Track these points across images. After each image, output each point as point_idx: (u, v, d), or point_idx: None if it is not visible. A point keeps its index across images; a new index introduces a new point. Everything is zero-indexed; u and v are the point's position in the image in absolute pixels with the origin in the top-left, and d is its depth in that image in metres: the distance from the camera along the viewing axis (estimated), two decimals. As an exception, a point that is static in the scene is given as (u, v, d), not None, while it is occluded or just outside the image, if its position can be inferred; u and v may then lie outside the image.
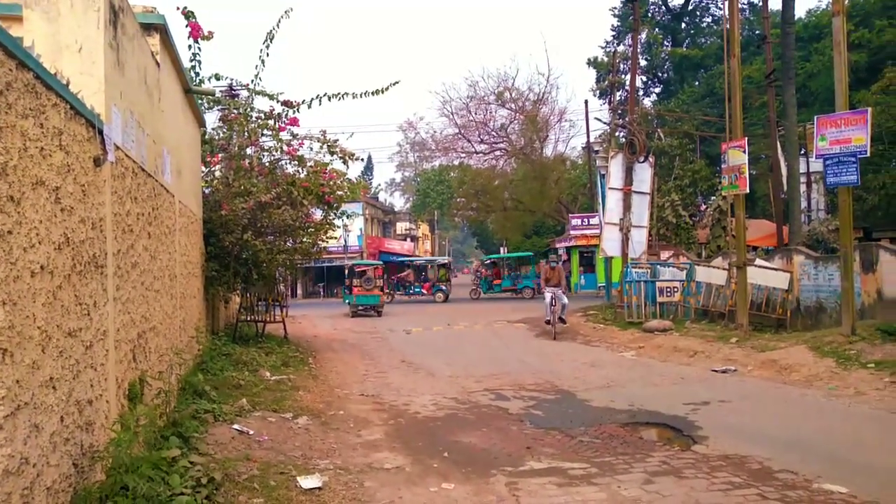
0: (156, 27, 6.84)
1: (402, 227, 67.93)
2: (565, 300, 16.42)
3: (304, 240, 13.47)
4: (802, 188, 20.60)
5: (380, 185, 59.85)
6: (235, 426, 6.71)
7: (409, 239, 64.93)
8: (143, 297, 5.76)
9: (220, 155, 12.62)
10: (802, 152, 23.06)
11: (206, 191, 12.47)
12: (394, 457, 6.35)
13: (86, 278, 3.93)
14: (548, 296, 16.23)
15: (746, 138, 13.56)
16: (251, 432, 6.64)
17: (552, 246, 45.71)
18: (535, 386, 10.18)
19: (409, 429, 7.57)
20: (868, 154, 10.73)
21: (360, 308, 25.65)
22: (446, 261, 39.79)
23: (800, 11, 33.52)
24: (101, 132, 4.25)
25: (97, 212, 4.21)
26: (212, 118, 13.23)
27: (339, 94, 11.83)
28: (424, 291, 36.89)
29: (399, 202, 71.35)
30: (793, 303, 14.88)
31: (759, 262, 15.08)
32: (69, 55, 4.39)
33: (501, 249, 56.93)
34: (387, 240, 56.28)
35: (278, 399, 8.30)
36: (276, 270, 13.30)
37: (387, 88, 11.86)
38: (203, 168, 12.34)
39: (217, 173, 13.07)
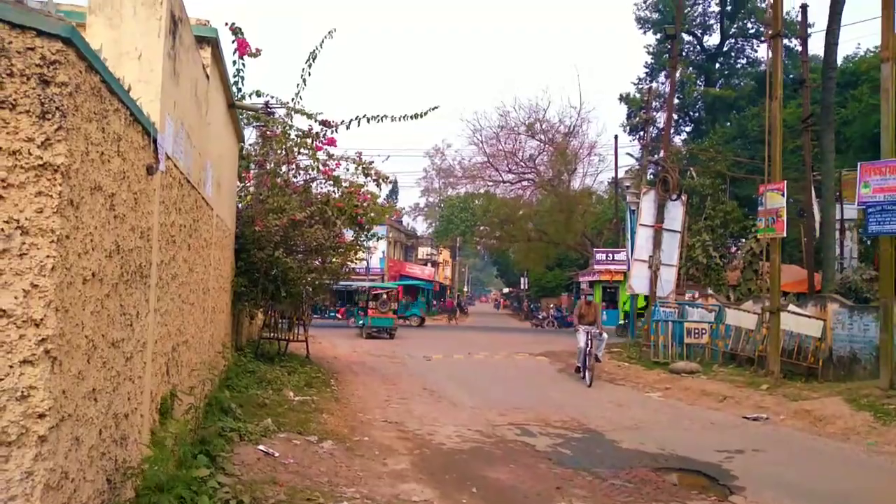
0: (208, 40, 6.88)
1: (423, 251, 67.96)
2: (604, 336, 14.99)
3: (334, 260, 13.42)
4: (835, 235, 20.21)
5: (404, 208, 59.93)
6: (261, 447, 6.57)
7: (429, 264, 64.88)
8: (179, 309, 5.69)
9: (255, 171, 12.66)
10: (820, 198, 22.74)
11: (240, 206, 12.51)
12: (421, 489, 6.16)
13: (131, 288, 3.86)
14: (582, 336, 14.20)
15: (785, 182, 13.33)
16: (277, 454, 6.50)
17: (575, 279, 45.39)
18: (560, 423, 9.93)
19: (435, 460, 7.38)
20: (915, 204, 10.46)
21: (374, 330, 25.85)
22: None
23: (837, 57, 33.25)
24: (154, 141, 4.22)
25: (146, 221, 4.16)
26: (248, 133, 13.36)
27: (377, 116, 11.79)
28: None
29: (421, 227, 71.47)
30: (825, 352, 14.48)
31: (792, 308, 14.75)
32: (128, 62, 4.38)
33: (522, 280, 56.73)
34: (408, 264, 56.30)
35: (303, 421, 8.16)
36: (303, 289, 13.22)
37: (426, 113, 11.81)
38: (238, 183, 12.41)
39: (251, 189, 13.12)
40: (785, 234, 13.63)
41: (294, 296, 13.39)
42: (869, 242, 21.71)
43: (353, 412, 9.95)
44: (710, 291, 20.82)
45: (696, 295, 19.47)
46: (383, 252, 48.46)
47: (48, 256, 2.59)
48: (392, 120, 11.85)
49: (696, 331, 16.84)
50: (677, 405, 12.12)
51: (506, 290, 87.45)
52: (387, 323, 25.95)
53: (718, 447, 8.42)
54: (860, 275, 18.95)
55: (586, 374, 14.14)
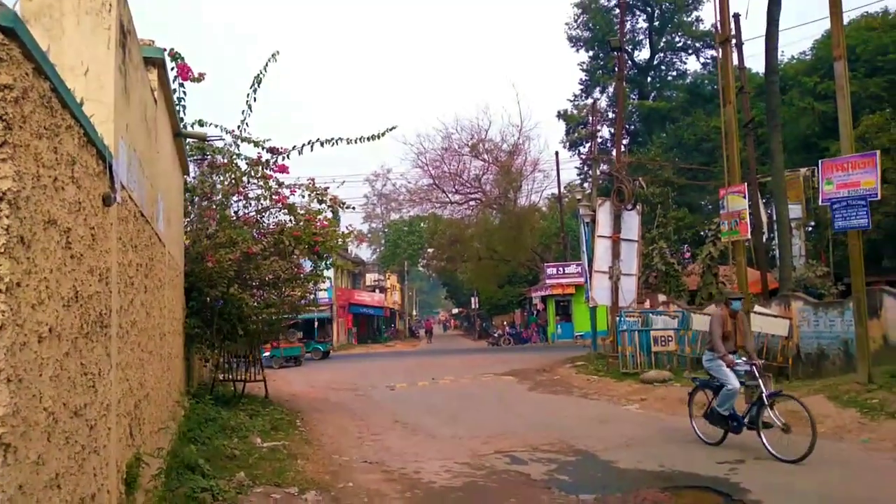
0: (154, 61, 6.25)
1: (371, 278, 67.04)
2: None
3: (294, 292, 12.71)
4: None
5: (356, 231, 58.97)
6: (238, 506, 5.87)
7: (377, 290, 63.96)
8: (139, 360, 5.01)
9: (204, 203, 11.90)
10: (764, 200, 23.29)
11: (186, 243, 11.72)
12: (425, 538, 5.57)
13: (92, 341, 3.22)
14: (730, 375, 8.59)
15: (746, 184, 13.36)
16: (257, 513, 5.81)
17: (527, 295, 45.38)
18: (549, 446, 9.46)
19: (430, 502, 6.79)
20: (878, 197, 10.54)
21: (284, 360, 28.17)
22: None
23: (758, 65, 34.69)
24: (110, 167, 3.60)
25: (104, 261, 3.52)
26: (191, 166, 12.58)
27: (331, 139, 11.30)
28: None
29: (365, 253, 70.59)
30: (793, 350, 14.53)
31: (758, 308, 14.76)
32: (73, 78, 3.74)
33: (473, 299, 56.46)
34: (356, 291, 55.22)
35: (278, 470, 7.45)
36: (261, 325, 12.46)
37: (383, 134, 11.40)
38: (184, 218, 11.63)
39: (198, 223, 12.34)
40: (749, 236, 13.64)
41: (251, 333, 12.63)
42: (829, 240, 22.23)
43: (328, 454, 9.24)
44: (661, 298, 20.89)
45: (665, 302, 19.44)
46: (330, 281, 47.51)
47: (-4, 311, 1.98)
48: (348, 143, 11.36)
49: (663, 338, 16.73)
50: (659, 416, 11.83)
51: (455, 310, 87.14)
52: (295, 352, 28.61)
53: (717, 459, 8.10)
54: (813, 271, 19.35)
55: (732, 427, 8.63)
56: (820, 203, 12.08)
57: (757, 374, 8.51)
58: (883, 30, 30.17)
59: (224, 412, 10.45)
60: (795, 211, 22.05)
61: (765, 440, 8.13)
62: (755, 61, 73.37)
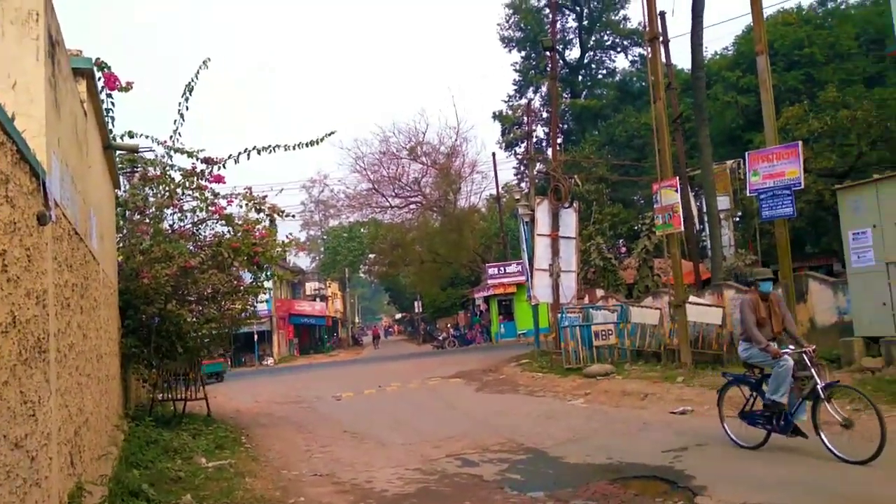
0: (83, 72, 6.03)
1: (311, 287, 66.15)
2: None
3: (234, 306, 12.44)
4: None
5: (297, 239, 58.03)
6: (188, 529, 5.71)
7: (318, 299, 63.18)
8: (78, 385, 4.83)
9: (136, 217, 11.52)
10: (694, 193, 24.19)
11: (119, 259, 11.32)
12: (382, 546, 5.54)
13: (31, 368, 3.09)
14: (783, 366, 7.51)
15: (678, 178, 13.82)
16: (208, 534, 5.66)
17: (470, 296, 45.67)
18: (499, 446, 9.55)
19: (385, 510, 6.76)
20: (802, 186, 11.07)
21: (206, 376, 27.32)
22: None
23: (684, 62, 35.94)
24: (43, 184, 3.46)
25: (41, 283, 3.38)
26: (122, 179, 12.17)
27: (269, 146, 11.10)
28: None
29: (304, 262, 69.60)
30: (727, 337, 15.09)
31: (693, 298, 15.27)
32: (1, 92, 3.59)
33: (416, 303, 56.46)
34: (297, 301, 54.40)
35: (226, 490, 7.26)
36: (201, 342, 12.14)
37: (322, 139, 11.29)
38: (116, 234, 11.23)
39: (131, 239, 11.93)
40: (682, 228, 14.11)
41: (190, 350, 12.29)
42: (756, 229, 23.13)
43: (277, 470, 9.08)
44: (600, 293, 21.41)
45: (603, 297, 19.90)
46: (270, 292, 46.62)
47: (-68, 344, 1.88)
48: (286, 149, 11.21)
49: (604, 332, 17.11)
50: (604, 409, 12.10)
51: (398, 315, 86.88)
52: (217, 368, 27.72)
53: (662, 447, 8.33)
54: (742, 260, 20.16)
55: (779, 427, 7.65)
56: (747, 194, 12.61)
57: (809, 363, 7.37)
58: (798, 25, 31.71)
59: (166, 433, 10.13)
60: (724, 202, 22.98)
61: (825, 439, 7.08)
62: (681, 58, 75.97)
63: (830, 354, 11.74)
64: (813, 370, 7.33)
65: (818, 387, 7.21)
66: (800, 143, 11.62)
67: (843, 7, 34.43)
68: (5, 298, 2.65)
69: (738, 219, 25.96)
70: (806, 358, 7.41)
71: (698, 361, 14.82)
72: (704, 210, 21.17)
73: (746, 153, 11.89)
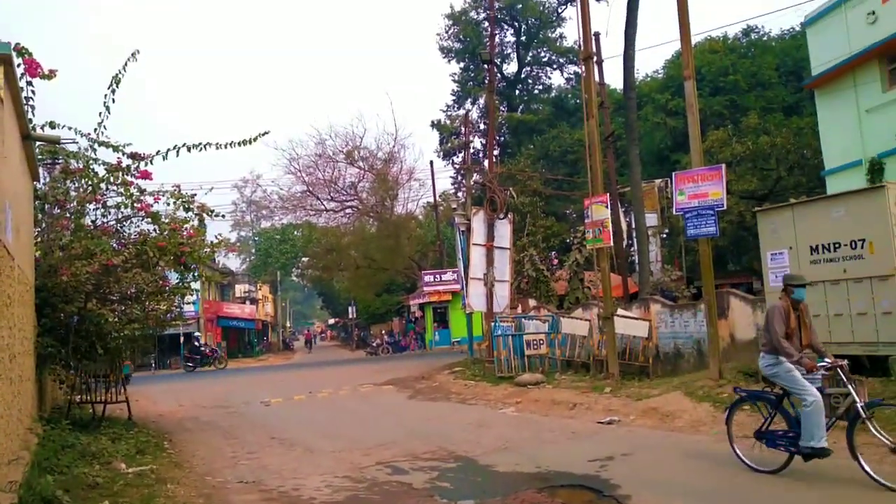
0: (1, 58, 5.71)
1: (240, 289, 64.59)
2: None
3: (159, 306, 12.01)
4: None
5: (228, 240, 56.57)
6: (103, 539, 5.46)
7: (248, 301, 61.76)
8: (-14, 386, 4.55)
9: (55, 212, 10.99)
10: (624, 209, 24.99)
11: (37, 254, 10.78)
12: (308, 556, 5.44)
13: (-65, 369, 2.89)
14: (812, 390, 6.74)
15: (608, 194, 14.18)
16: (124, 545, 5.43)
17: (406, 303, 45.56)
18: (429, 454, 9.53)
19: (311, 519, 6.64)
20: (725, 207, 11.54)
21: None
22: None
23: (617, 82, 37.07)
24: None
25: (-52, 278, 3.18)
26: (42, 172, 11.60)
27: (200, 144, 10.78)
28: None
29: (234, 263, 67.99)
30: (653, 350, 15.56)
31: (620, 311, 15.69)
32: None
33: (350, 309, 55.89)
34: (226, 304, 52.98)
35: (146, 497, 7.00)
36: (122, 343, 11.66)
37: (255, 138, 11.05)
38: (35, 228, 10.69)
39: (50, 234, 11.38)
40: (612, 243, 14.49)
41: (111, 351, 11.80)
42: (682, 246, 23.95)
43: (201, 477, 8.79)
44: (532, 303, 21.76)
45: (536, 307, 20.20)
46: (197, 294, 45.25)
47: None
48: (217, 147, 10.92)
49: (535, 342, 17.36)
50: (533, 418, 12.26)
51: (332, 320, 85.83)
52: (124, 371, 27.45)
53: (589, 456, 8.50)
54: (668, 276, 20.85)
55: (804, 451, 6.74)
56: (674, 212, 13.04)
57: (845, 379, 6.59)
58: (724, 53, 33.21)
59: (83, 437, 9.68)
60: (652, 219, 23.75)
61: (865, 465, 6.16)
62: (614, 78, 78.36)
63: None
64: (850, 386, 6.50)
65: (858, 406, 6.34)
66: (723, 165, 12.12)
67: (765, 38, 36.25)
68: None
69: (665, 236, 26.87)
70: (841, 373, 6.64)
71: (625, 372, 15.23)
72: (633, 226, 21.82)
73: (673, 173, 12.32)
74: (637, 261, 20.97)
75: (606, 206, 14.01)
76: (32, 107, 9.80)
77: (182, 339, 40.58)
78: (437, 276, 36.78)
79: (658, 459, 8.24)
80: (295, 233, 50.00)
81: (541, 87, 50.46)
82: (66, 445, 8.73)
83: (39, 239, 11.10)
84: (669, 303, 16.09)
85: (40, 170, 10.94)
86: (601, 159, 14.93)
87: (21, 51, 9.29)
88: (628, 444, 9.18)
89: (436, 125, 46.40)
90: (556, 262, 26.19)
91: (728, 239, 25.08)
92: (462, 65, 48.23)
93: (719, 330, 14.06)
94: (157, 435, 11.95)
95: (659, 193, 25.09)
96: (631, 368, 15.62)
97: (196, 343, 38.73)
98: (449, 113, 48.07)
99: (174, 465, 9.47)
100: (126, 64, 11.06)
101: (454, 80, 48.64)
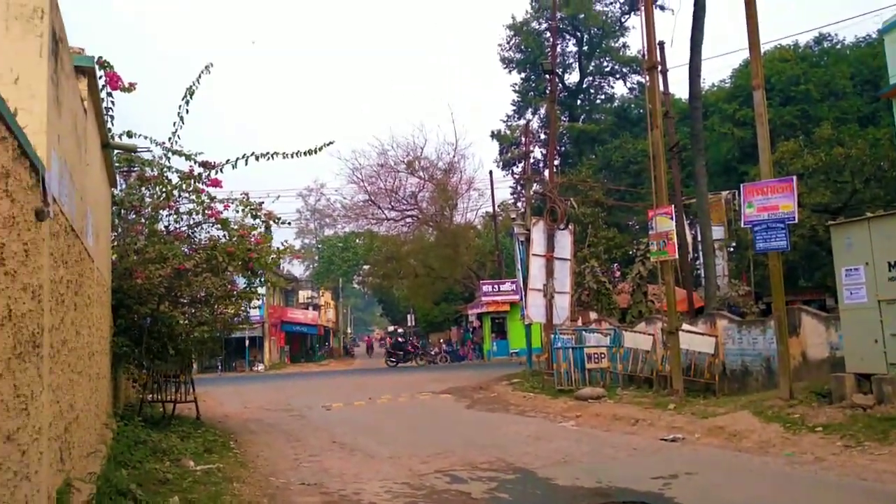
0: (84, 70, 6.03)
1: (304, 295, 65.94)
2: None
3: (227, 310, 12.38)
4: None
5: (292, 247, 57.83)
6: (172, 534, 5.64)
7: (311, 307, 62.98)
8: (69, 381, 4.79)
9: (131, 217, 11.49)
10: (689, 221, 24.34)
11: (113, 258, 11.28)
12: (367, 561, 5.48)
13: (25, 362, 3.06)
14: None
15: (673, 206, 13.88)
16: (192, 540, 5.59)
17: (463, 312, 45.59)
18: (487, 464, 9.48)
19: (371, 523, 6.69)
20: (796, 220, 11.12)
21: None
22: None
23: (682, 91, 36.33)
24: (42, 180, 3.44)
25: (37, 278, 3.36)
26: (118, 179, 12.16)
27: (267, 153, 11.11)
28: None
29: (297, 270, 69.45)
30: (719, 367, 15.08)
31: (686, 326, 15.29)
32: (2, 86, 3.58)
33: (409, 317, 56.35)
34: (289, 309, 54.17)
35: (214, 495, 7.20)
36: (192, 345, 12.07)
37: (320, 148, 11.29)
38: (111, 232, 11.20)
39: (126, 238, 11.90)
40: (677, 256, 14.15)
41: (182, 352, 12.22)
42: (750, 260, 23.21)
43: (265, 477, 8.99)
44: (593, 316, 21.43)
45: (597, 320, 19.92)
46: (263, 299, 46.39)
47: (-69, 332, 1.86)
48: (284, 157, 11.23)
49: (596, 356, 17.07)
50: (594, 433, 12.05)
51: (391, 327, 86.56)
52: None
53: (652, 474, 8.29)
54: (736, 290, 20.21)
55: None
56: (742, 225, 12.65)
57: None
58: (795, 62, 32.10)
59: (154, 434, 10.05)
60: (718, 232, 23.08)
61: None
62: (679, 87, 76.67)
63: (822, 389, 11.73)
64: None
65: None
66: (794, 177, 11.68)
67: (838, 47, 34.90)
68: (2, 292, 2.63)
69: (732, 249, 26.08)
70: None
71: (690, 389, 14.80)
72: (699, 239, 21.25)
73: (742, 185, 11.96)
74: (703, 275, 20.36)
75: (671, 218, 13.70)
76: (112, 117, 10.32)
77: (247, 342, 41.69)
78: (496, 286, 36.64)
79: (724, 480, 7.97)
80: (357, 241, 50.71)
81: (603, 96, 49.92)
82: (138, 441, 9.07)
83: (116, 243, 11.61)
84: (737, 318, 15.57)
85: (117, 177, 11.49)
86: (666, 170, 14.62)
87: (103, 64, 9.79)
88: (693, 463, 8.91)
89: (496, 135, 46.39)
90: (618, 274, 25.74)
91: (799, 253, 24.15)
92: (523, 75, 48.15)
93: (790, 348, 13.52)
94: (224, 435, 12.28)
95: (726, 206, 24.39)
96: (695, 385, 15.16)
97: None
98: (509, 123, 48.01)
99: (240, 464, 9.70)
100: (200, 76, 11.52)
101: (514, 91, 48.60)
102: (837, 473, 8.00)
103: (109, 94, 10.01)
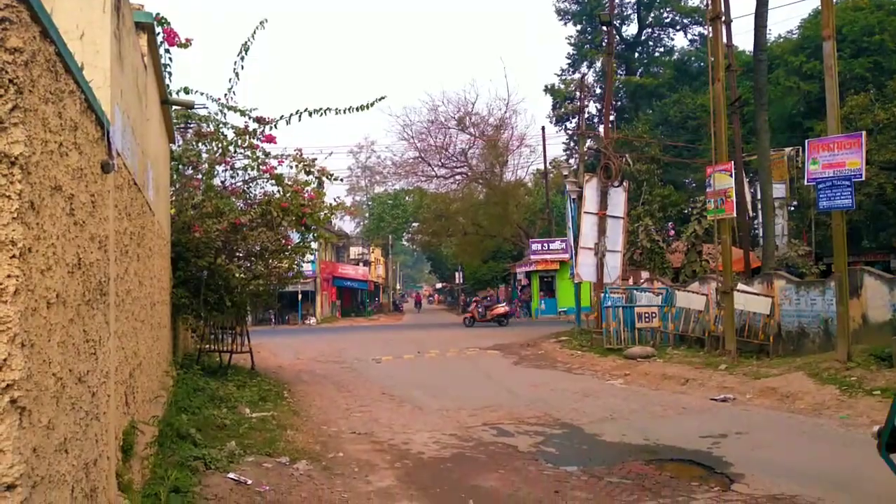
0: (144, 27, 6.13)
1: (354, 251, 66.88)
2: None
3: (281, 264, 12.67)
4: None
5: (343, 203, 58.48)
6: (231, 475, 5.92)
7: (361, 263, 63.88)
8: (133, 329, 5.00)
9: (189, 172, 11.77)
10: (749, 178, 23.50)
11: (172, 211, 11.62)
12: (416, 507, 5.67)
13: (93, 309, 3.21)
14: None
15: (732, 162, 13.45)
16: (249, 482, 5.86)
17: (512, 270, 45.57)
18: (535, 419, 9.59)
19: (420, 472, 6.88)
20: (863, 178, 10.67)
21: None
22: None
23: (746, 43, 34.64)
24: (107, 133, 3.55)
25: (103, 228, 3.50)
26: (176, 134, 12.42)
27: (320, 109, 11.15)
28: None
29: (349, 226, 70.32)
30: (774, 328, 14.76)
31: (741, 286, 14.95)
32: (68, 43, 3.66)
33: (457, 274, 56.64)
34: (340, 265, 55.09)
35: (268, 440, 7.50)
36: (247, 297, 12.41)
37: (372, 104, 11.29)
38: (170, 187, 11.51)
39: (184, 193, 12.21)
40: (735, 214, 13.77)
41: (238, 304, 12.59)
42: (811, 219, 22.44)
43: (317, 425, 9.31)
44: (645, 275, 21.10)
45: (649, 279, 19.65)
46: (315, 254, 47.24)
47: (9, 276, 1.97)
48: (336, 113, 11.26)
49: (647, 315, 16.91)
50: (642, 391, 12.02)
51: (439, 285, 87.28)
52: None
53: (700, 433, 8.26)
54: (795, 251, 19.60)
55: None
56: (805, 183, 12.22)
57: None
58: (870, 10, 30.23)
59: (212, 382, 10.48)
60: (779, 190, 22.27)
61: None
62: (743, 39, 73.39)
63: (882, 352, 11.38)
64: None
65: None
66: (863, 133, 11.13)
67: (919, -8, 32.62)
68: (73, 240, 2.75)
69: (792, 208, 25.17)
70: None
71: (742, 350, 14.54)
72: (759, 197, 20.58)
73: (806, 141, 11.47)
74: (761, 234, 19.76)
75: (730, 175, 13.30)
76: (169, 73, 10.50)
77: (300, 296, 42.65)
78: (545, 244, 36.40)
79: (775, 440, 7.88)
80: (406, 198, 50.90)
81: (662, 49, 48.15)
82: (197, 389, 9.47)
83: (174, 197, 11.93)
84: (795, 279, 15.12)
85: (175, 133, 11.74)
86: (726, 125, 14.14)
87: (161, 21, 9.93)
88: (743, 423, 8.83)
89: (549, 90, 45.39)
90: (672, 233, 25.19)
91: (865, 213, 23.17)
92: (579, 27, 46.77)
93: (850, 310, 13.10)
94: (277, 384, 12.71)
95: (788, 163, 23.45)
96: (749, 346, 14.88)
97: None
98: (563, 77, 46.88)
99: (293, 413, 10.06)
100: (255, 32, 11.58)
101: (570, 43, 47.32)
102: (895, 438, 7.81)
103: (167, 51, 10.16)
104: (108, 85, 3.78)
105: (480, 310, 32.21)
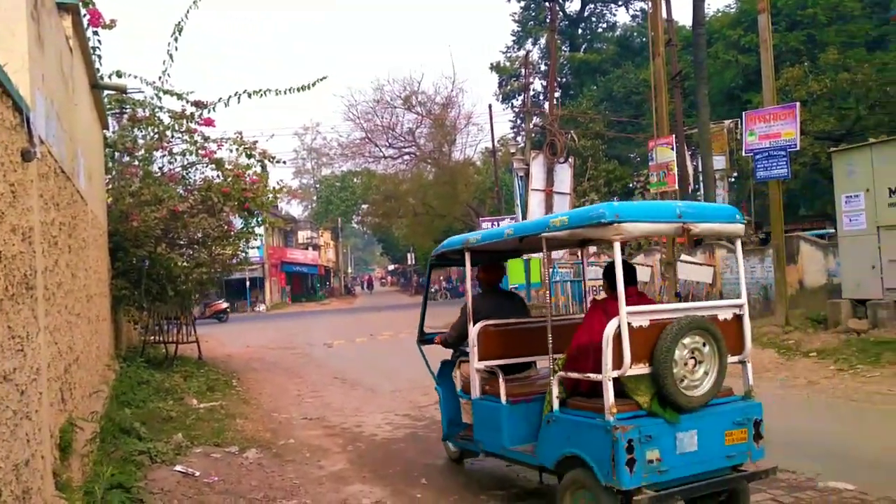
0: (68, 7, 5.84)
1: (303, 235, 66.06)
2: None
3: (225, 251, 12.40)
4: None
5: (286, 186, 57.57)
6: (178, 467, 5.80)
7: (311, 248, 63.20)
8: (67, 323, 4.82)
9: (125, 159, 11.37)
10: (690, 152, 24.04)
11: (108, 200, 11.21)
12: (369, 489, 5.67)
13: (18, 304, 3.07)
14: None
15: (674, 136, 13.71)
16: (197, 473, 5.76)
17: (463, 250, 45.58)
18: (487, 395, 9.67)
19: (372, 454, 6.88)
20: (798, 148, 11.01)
21: None
22: None
23: (686, 19, 35.30)
24: (28, 120, 3.38)
25: (26, 219, 3.34)
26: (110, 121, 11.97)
27: (260, 90, 10.88)
28: None
29: (297, 210, 69.32)
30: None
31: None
32: (-23, 24, 3.48)
33: (409, 255, 56.52)
34: (289, 249, 54.34)
35: (217, 430, 7.36)
36: (192, 286, 12.12)
37: (313, 84, 11.07)
38: (105, 175, 11.10)
39: (120, 181, 11.80)
40: (677, 187, 14.07)
41: (182, 294, 12.28)
42: (750, 190, 23.05)
43: (268, 413, 9.21)
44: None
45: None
46: (262, 239, 46.45)
47: (-87, 274, 1.85)
48: (277, 94, 11.00)
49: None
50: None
51: (391, 266, 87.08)
52: None
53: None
54: (735, 221, 20.16)
55: None
56: (743, 154, 12.55)
57: None
58: (802, -17, 31.06)
59: (157, 374, 10.23)
60: (719, 162, 22.87)
61: None
62: (683, 14, 74.55)
63: (818, 316, 11.86)
64: None
65: None
66: (797, 104, 11.51)
67: (849, -33, 33.65)
68: (-10, 233, 2.62)
69: (733, 179, 25.89)
70: None
71: (686, 319, 14.96)
72: (700, 169, 21.09)
73: (744, 112, 11.78)
74: (702, 205, 20.30)
75: (672, 149, 13.57)
76: (99, 56, 10.06)
77: (248, 283, 41.96)
78: (495, 222, 36.50)
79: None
80: (354, 180, 50.45)
81: (605, 25, 48.57)
82: (141, 382, 9.24)
83: (110, 186, 11.52)
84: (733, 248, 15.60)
85: (109, 118, 11.31)
86: (668, 100, 14.39)
87: (86, 2, 9.50)
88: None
89: (495, 67, 45.31)
90: (617, 207, 25.59)
91: (800, 182, 23.98)
92: (522, 4, 46.75)
93: (788, 276, 13.60)
94: (226, 373, 12.50)
95: (728, 135, 24.07)
96: (693, 315, 15.31)
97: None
98: (509, 54, 46.82)
99: (242, 401, 9.91)
100: (188, 11, 11.18)
101: (514, 20, 47.23)
102: (828, 395, 8.19)
103: (96, 33, 9.72)
104: (26, 69, 3.58)
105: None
